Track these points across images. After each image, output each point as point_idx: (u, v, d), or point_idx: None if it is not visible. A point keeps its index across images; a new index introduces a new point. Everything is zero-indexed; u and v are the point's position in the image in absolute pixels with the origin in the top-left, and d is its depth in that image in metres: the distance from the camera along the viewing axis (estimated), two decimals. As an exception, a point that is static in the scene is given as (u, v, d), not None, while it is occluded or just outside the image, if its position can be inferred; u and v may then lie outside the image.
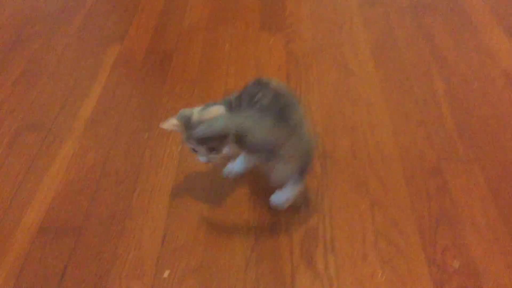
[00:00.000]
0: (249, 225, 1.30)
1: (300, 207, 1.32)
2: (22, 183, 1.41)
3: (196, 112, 1.20)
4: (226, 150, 1.22)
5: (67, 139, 1.54)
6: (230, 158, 1.38)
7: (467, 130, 1.53)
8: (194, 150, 1.22)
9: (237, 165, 1.40)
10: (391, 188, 1.38)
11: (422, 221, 1.29)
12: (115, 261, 1.21)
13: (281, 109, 1.15)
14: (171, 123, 1.20)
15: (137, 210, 1.33)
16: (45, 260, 1.21)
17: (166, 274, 1.20)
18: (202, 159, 1.22)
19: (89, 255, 1.23)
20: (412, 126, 1.55)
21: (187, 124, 1.19)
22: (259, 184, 1.38)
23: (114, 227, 1.29)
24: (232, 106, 1.20)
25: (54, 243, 1.26)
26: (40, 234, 1.28)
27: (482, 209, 1.32)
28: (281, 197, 1.31)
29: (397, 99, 1.64)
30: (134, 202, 1.35)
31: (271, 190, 1.32)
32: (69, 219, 1.32)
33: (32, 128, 1.58)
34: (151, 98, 1.66)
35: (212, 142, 1.18)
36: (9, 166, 1.47)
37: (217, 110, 1.17)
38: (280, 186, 1.29)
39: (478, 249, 1.22)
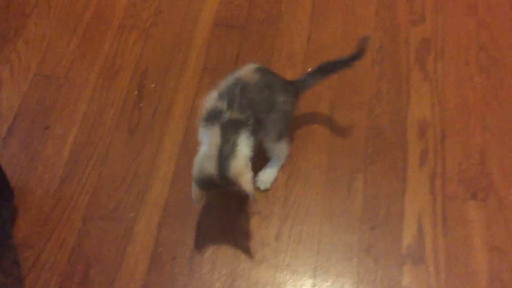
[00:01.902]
0: (375, 34, 1.64)
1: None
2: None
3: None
4: None
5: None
6: None
7: None
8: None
9: None
10: (497, 11, 1.65)
11: (519, 40, 1.59)
12: (274, 52, 1.63)
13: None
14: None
15: (287, 15, 1.69)
16: (223, 47, 1.65)
17: (309, 69, 1.60)
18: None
19: (254, 47, 1.64)
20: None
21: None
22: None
23: (270, 27, 1.67)
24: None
25: (226, 36, 1.67)
26: (215, 28, 1.68)
27: None
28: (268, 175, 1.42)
29: None
30: (283, 9, 1.71)
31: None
32: (234, 18, 1.70)
33: None
34: None
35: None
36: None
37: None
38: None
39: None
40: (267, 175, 1.40)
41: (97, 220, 1.38)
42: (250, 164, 1.19)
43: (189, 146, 1.46)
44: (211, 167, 1.15)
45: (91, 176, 1.44)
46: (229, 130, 1.18)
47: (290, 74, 1.58)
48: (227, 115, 1.19)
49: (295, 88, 1.34)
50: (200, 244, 1.34)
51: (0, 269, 1.23)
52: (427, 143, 1.46)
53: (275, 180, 1.41)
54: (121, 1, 1.77)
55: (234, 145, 1.16)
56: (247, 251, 1.33)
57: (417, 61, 1.59)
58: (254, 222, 1.36)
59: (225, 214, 1.37)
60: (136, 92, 1.58)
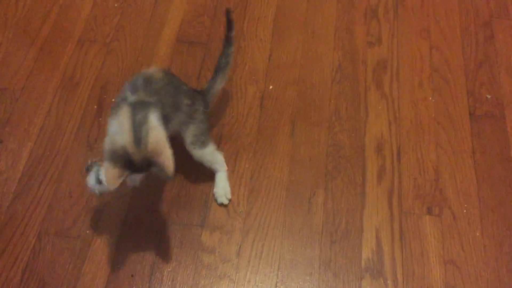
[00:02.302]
0: (334, 54, 1.69)
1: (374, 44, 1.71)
2: (156, 4, 1.78)
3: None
4: None
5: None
6: None
7: (520, -8, 1.83)
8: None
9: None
10: (448, 35, 1.73)
11: (469, 63, 1.67)
12: (236, 69, 1.64)
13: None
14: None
15: (248, 34, 1.72)
16: (185, 64, 1.65)
17: (271, 87, 1.63)
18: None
19: (214, 64, 1.62)
20: (474, -16, 1.85)
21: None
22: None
23: (232, 45, 1.70)
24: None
25: (189, 52, 1.68)
26: (177, 44, 1.69)
27: (517, 58, 1.69)
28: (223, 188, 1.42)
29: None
30: (245, 27, 1.73)
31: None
32: (197, 35, 1.72)
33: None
34: None
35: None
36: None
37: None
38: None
39: (508, 87, 1.62)
40: (222, 188, 1.40)
41: (52, 236, 1.33)
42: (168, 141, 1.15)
43: (149, 161, 1.45)
44: (125, 138, 1.10)
45: (46, 191, 1.40)
46: (139, 107, 1.14)
47: (251, 91, 1.60)
48: (133, 98, 1.16)
49: (201, 96, 1.37)
50: (159, 260, 1.31)
51: None
52: (384, 159, 1.50)
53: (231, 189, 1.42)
54: (82, 14, 1.75)
55: (146, 117, 1.13)
56: (208, 267, 1.31)
57: (374, 81, 1.65)
58: (215, 238, 1.35)
59: (186, 230, 1.36)
60: (95, 106, 1.56)
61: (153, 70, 1.27)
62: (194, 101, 1.32)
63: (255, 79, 1.63)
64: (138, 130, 1.11)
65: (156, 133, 1.13)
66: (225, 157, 1.43)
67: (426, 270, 1.32)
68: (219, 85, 1.44)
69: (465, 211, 1.41)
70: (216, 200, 1.40)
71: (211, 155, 1.37)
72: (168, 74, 1.30)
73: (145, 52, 1.68)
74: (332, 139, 1.53)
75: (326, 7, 1.80)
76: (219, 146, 1.48)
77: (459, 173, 1.48)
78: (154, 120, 1.14)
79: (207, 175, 1.42)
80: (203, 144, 1.34)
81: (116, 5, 1.77)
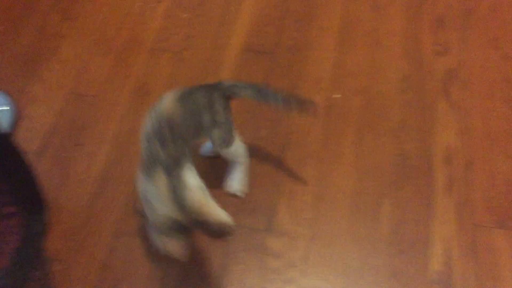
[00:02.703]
0: (400, 64, 1.68)
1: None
2: (224, 14, 1.85)
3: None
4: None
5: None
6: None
7: None
8: None
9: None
10: (521, 45, 1.69)
11: (543, 73, 1.62)
12: (301, 78, 1.67)
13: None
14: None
15: (314, 43, 1.74)
16: (251, 72, 1.69)
17: (336, 96, 1.64)
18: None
19: (281, 72, 1.68)
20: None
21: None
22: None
23: (298, 54, 1.72)
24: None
25: (255, 61, 1.72)
26: (244, 53, 1.73)
27: None
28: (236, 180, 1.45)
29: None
30: (310, 37, 1.75)
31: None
32: (262, 44, 1.76)
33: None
34: None
35: None
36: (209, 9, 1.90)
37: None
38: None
39: None
40: (237, 181, 1.43)
41: (126, 236, 1.39)
42: (207, 193, 1.13)
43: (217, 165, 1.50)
44: (167, 208, 1.09)
45: (121, 192, 1.47)
46: (172, 166, 1.13)
47: (317, 99, 1.62)
48: (163, 155, 1.14)
49: (221, 92, 1.29)
50: (227, 263, 1.35)
51: (32, 281, 1.25)
52: (453, 170, 1.48)
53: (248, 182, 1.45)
54: (153, 25, 1.83)
55: (180, 178, 1.11)
56: (275, 272, 1.33)
57: (442, 91, 1.62)
58: (281, 243, 1.37)
59: (252, 234, 1.39)
60: (166, 113, 1.62)
61: (171, 104, 1.22)
62: (212, 107, 1.26)
63: (320, 88, 1.65)
64: (178, 196, 1.09)
65: (194, 195, 1.09)
66: (290, 164, 1.46)
67: (499, 284, 1.29)
68: (246, 96, 1.31)
69: (539, 225, 1.37)
70: (228, 191, 1.43)
71: (235, 150, 1.36)
72: (186, 101, 1.24)
73: (213, 61, 1.73)
74: (398, 149, 1.52)
75: (392, 16, 1.80)
76: (283, 153, 1.51)
77: (533, 186, 1.43)
78: (188, 177, 1.12)
79: (273, 181, 1.46)
80: (229, 143, 1.32)
81: (185, 15, 1.85)
